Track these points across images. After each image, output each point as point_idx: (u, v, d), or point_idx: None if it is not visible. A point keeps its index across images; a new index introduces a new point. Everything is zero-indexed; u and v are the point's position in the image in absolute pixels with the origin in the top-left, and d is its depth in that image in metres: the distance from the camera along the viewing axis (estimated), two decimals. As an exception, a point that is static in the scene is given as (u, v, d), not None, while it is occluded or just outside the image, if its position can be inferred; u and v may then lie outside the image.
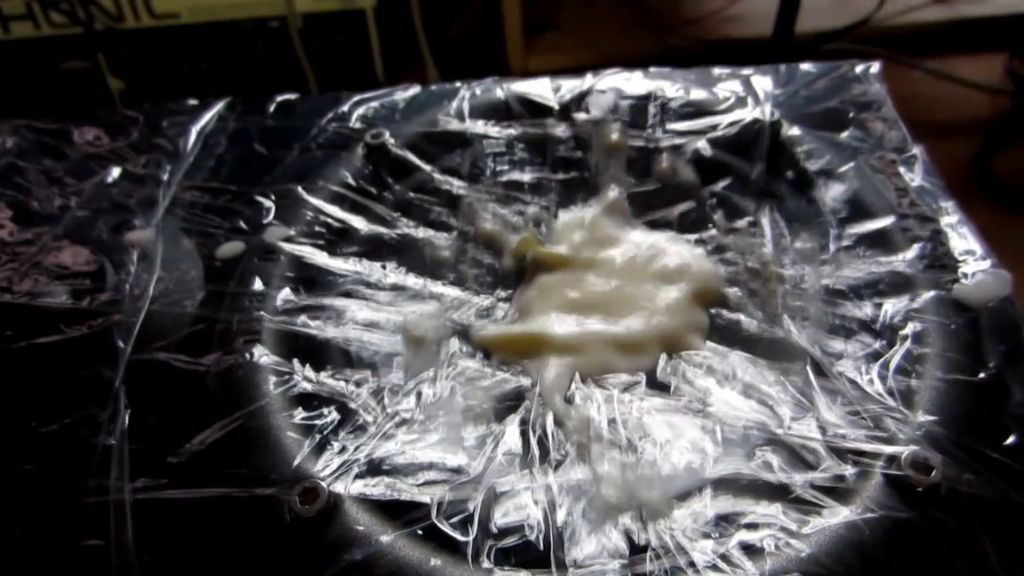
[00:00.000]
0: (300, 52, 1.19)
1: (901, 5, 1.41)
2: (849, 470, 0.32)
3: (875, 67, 0.55)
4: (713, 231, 0.46)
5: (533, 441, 0.35)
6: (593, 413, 0.36)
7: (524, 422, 0.36)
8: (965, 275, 0.40)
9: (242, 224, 0.46)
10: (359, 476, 0.34)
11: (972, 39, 1.39)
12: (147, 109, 0.55)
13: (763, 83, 0.53)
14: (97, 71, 1.23)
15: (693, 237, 0.46)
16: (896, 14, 1.39)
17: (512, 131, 0.51)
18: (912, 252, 0.41)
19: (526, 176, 0.50)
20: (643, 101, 0.52)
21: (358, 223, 0.46)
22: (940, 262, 0.41)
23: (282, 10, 1.16)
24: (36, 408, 0.37)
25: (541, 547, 0.31)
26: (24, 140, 0.53)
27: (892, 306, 0.39)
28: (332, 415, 0.37)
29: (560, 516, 0.32)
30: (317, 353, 0.40)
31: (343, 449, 0.35)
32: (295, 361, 0.39)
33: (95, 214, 0.48)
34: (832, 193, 0.45)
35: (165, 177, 0.49)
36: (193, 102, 0.55)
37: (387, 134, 0.50)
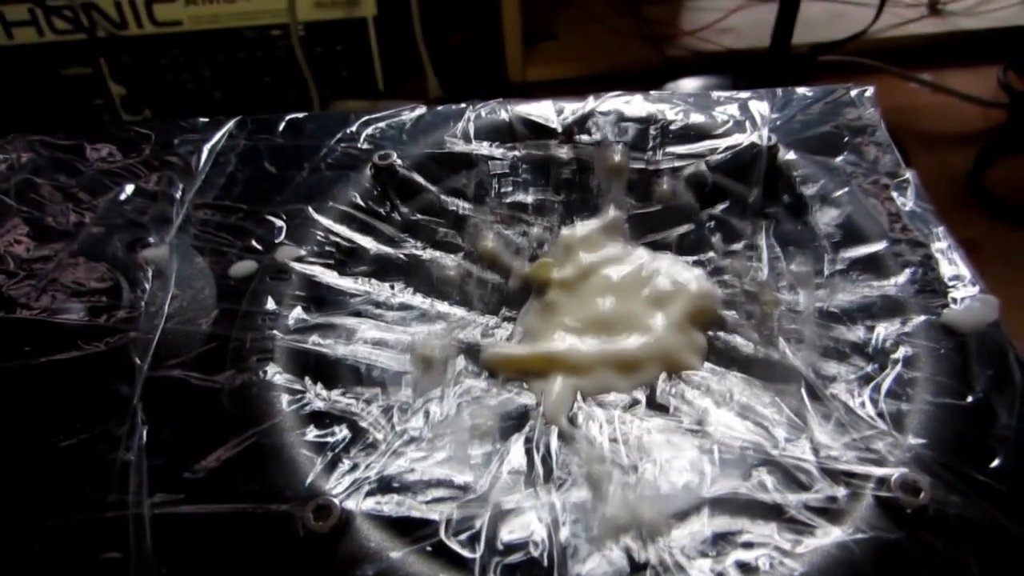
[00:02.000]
0: (302, 60, 1.20)
1: (896, 18, 1.42)
2: (841, 491, 0.34)
3: (869, 91, 0.56)
4: (711, 253, 0.47)
5: (537, 459, 0.36)
6: (595, 432, 0.38)
7: (528, 440, 0.37)
8: (955, 300, 0.41)
9: (254, 243, 0.47)
10: (370, 493, 0.35)
11: (966, 51, 1.41)
12: (158, 126, 0.55)
13: (760, 107, 0.54)
14: (99, 77, 1.24)
15: (692, 259, 0.47)
16: (891, 26, 1.41)
17: (516, 152, 0.52)
18: (904, 277, 0.43)
19: (529, 197, 0.51)
20: (644, 124, 0.53)
21: (367, 243, 0.47)
22: (931, 287, 0.42)
23: (284, 18, 1.18)
24: (56, 424, 0.38)
25: (545, 564, 0.32)
26: (38, 156, 0.54)
27: (884, 330, 0.40)
28: (343, 433, 0.38)
29: (563, 534, 0.33)
30: (328, 371, 0.41)
31: (354, 467, 0.36)
32: (307, 379, 0.40)
33: (109, 231, 0.48)
34: (827, 218, 0.47)
35: (178, 195, 0.50)
36: (204, 120, 0.56)
37: (395, 155, 0.51)
